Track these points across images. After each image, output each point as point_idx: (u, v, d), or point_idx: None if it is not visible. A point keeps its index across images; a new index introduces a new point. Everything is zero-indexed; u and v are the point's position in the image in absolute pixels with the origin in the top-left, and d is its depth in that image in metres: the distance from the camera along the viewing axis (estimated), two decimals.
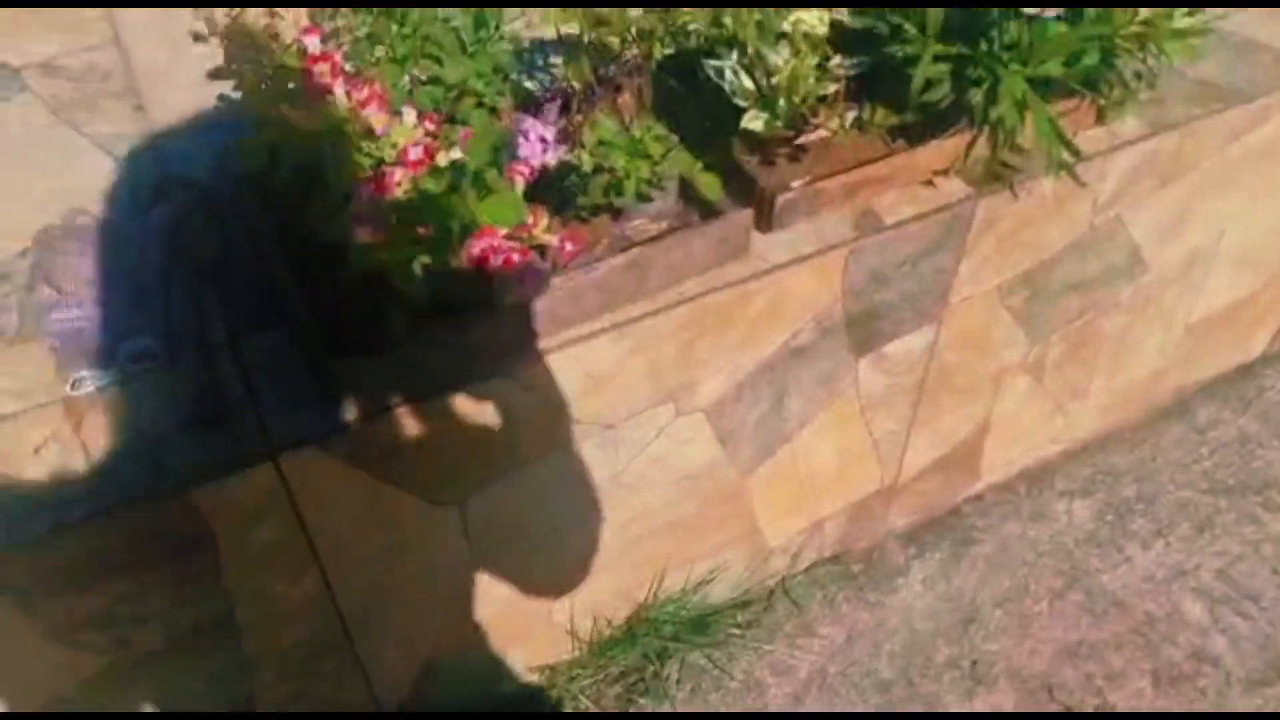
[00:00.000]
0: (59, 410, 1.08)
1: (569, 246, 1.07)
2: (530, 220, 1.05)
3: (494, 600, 1.40)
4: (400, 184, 0.99)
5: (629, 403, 1.28)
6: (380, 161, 1.01)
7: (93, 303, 1.15)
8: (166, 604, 1.12)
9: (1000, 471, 1.88)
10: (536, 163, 1.08)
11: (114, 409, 1.08)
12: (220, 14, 1.06)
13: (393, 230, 0.98)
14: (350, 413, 1.07)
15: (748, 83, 1.20)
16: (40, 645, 1.06)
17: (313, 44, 1.03)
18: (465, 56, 1.17)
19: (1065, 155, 1.24)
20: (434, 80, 1.17)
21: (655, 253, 1.17)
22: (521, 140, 1.08)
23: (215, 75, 1.09)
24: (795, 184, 1.24)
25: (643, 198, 1.19)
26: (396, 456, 1.13)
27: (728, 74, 1.21)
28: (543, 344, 1.15)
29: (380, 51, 1.14)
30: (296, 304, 1.07)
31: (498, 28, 1.21)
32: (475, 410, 1.14)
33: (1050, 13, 1.16)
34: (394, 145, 1.01)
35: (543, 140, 1.06)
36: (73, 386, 1.08)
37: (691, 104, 1.26)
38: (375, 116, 1.01)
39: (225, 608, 1.16)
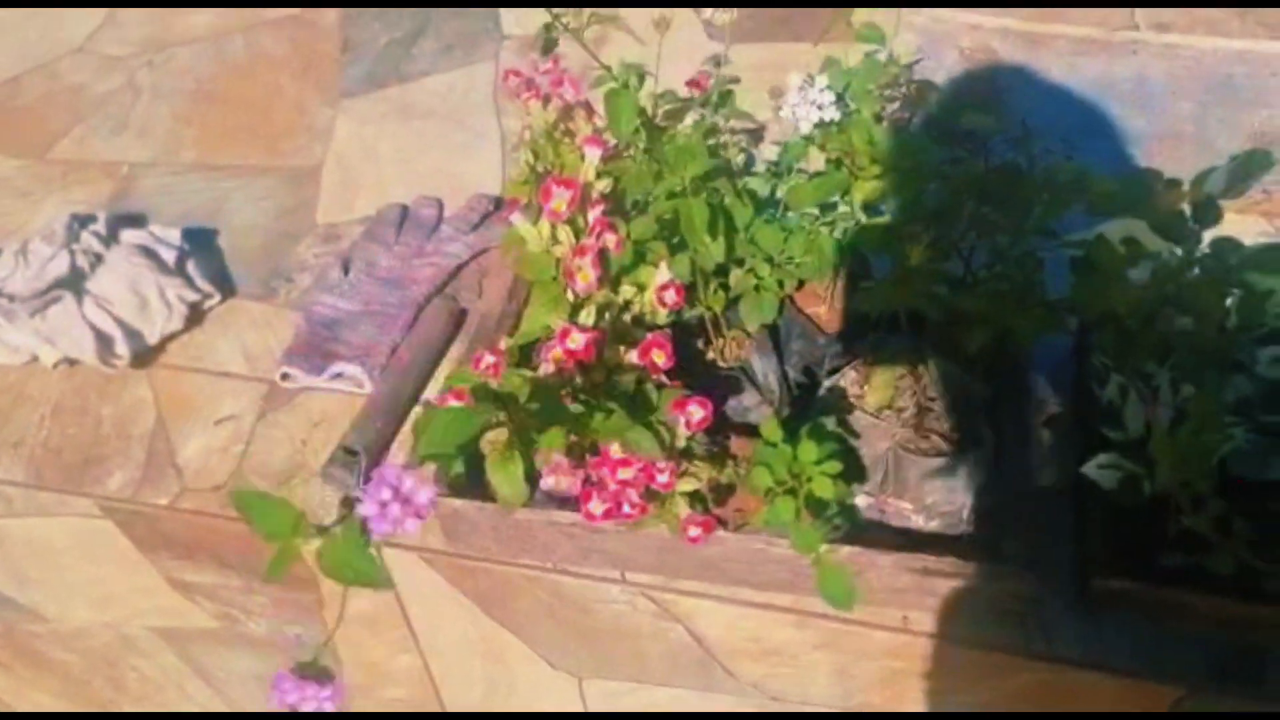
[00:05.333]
0: (262, 391, 1.09)
1: None
2: None
3: None
4: None
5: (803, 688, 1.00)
6: None
7: (362, 300, 1.13)
8: (269, 607, 1.11)
9: None
10: None
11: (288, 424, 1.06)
12: None
13: None
14: None
15: (1132, 411, 0.80)
16: (159, 582, 1.12)
17: None
18: None
19: None
20: None
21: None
22: None
23: None
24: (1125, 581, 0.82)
25: None
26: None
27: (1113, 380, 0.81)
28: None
29: None
30: None
31: None
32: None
33: None
34: None
35: None
36: (282, 377, 1.08)
37: None
38: None
39: (325, 636, 1.13)
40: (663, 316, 0.85)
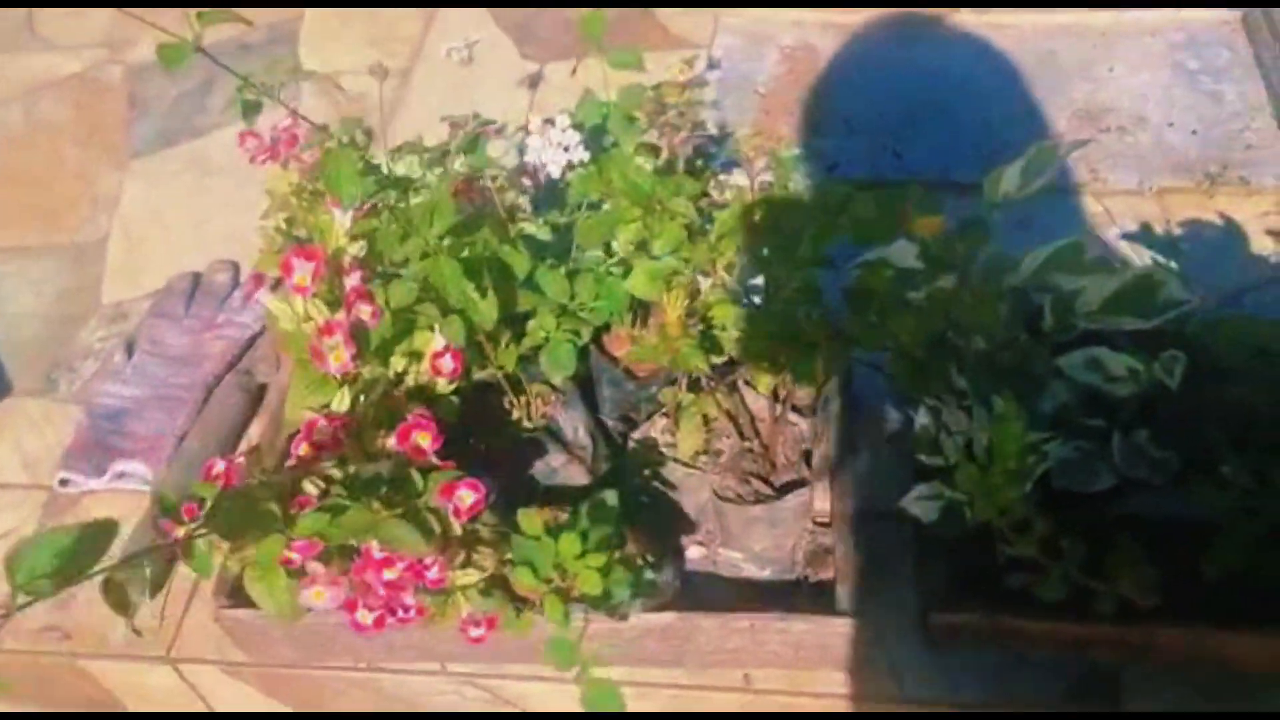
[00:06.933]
0: (42, 500, 0.99)
1: None
2: None
3: None
4: None
5: None
6: None
7: (149, 385, 1.04)
8: None
9: None
10: None
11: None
12: None
13: None
14: None
15: (946, 437, 0.75)
16: None
17: None
18: None
19: None
20: None
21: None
22: None
23: None
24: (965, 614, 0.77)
25: None
26: None
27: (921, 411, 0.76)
28: None
29: None
30: None
31: None
32: None
33: None
34: None
35: None
36: (61, 483, 0.98)
37: None
38: None
39: None
40: (444, 385, 0.78)
